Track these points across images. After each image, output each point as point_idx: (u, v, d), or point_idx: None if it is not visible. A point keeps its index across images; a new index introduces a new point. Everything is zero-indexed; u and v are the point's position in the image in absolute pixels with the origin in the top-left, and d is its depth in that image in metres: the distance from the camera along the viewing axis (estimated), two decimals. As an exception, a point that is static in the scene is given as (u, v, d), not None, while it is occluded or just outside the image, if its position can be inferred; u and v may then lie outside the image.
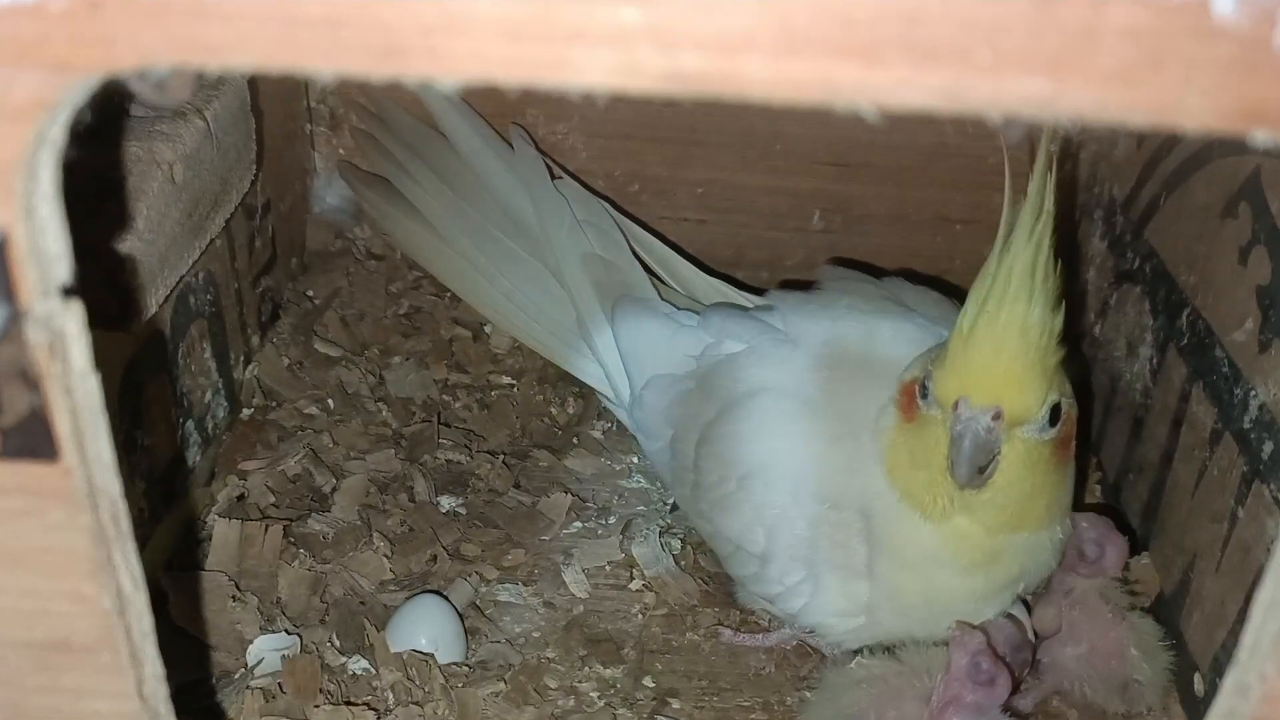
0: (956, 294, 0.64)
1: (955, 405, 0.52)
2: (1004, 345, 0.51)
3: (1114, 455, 0.74)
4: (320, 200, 0.87)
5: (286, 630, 0.62)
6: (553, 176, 0.81)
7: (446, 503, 0.73)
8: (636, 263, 0.76)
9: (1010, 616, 0.62)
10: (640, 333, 0.71)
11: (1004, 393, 0.52)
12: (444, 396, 0.81)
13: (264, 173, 0.75)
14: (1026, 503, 0.55)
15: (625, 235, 0.78)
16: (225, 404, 0.73)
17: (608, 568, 0.70)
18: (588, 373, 0.77)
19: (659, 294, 0.74)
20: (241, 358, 0.76)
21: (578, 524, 0.73)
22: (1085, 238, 0.82)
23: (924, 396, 0.55)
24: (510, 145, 0.82)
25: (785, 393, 0.63)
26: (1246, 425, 0.58)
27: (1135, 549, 0.66)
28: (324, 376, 0.79)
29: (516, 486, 0.75)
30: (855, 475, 0.59)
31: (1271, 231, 0.57)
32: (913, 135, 0.81)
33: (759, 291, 0.76)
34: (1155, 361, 0.69)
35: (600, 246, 0.76)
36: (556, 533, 0.72)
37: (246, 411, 0.76)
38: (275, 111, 0.77)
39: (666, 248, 0.80)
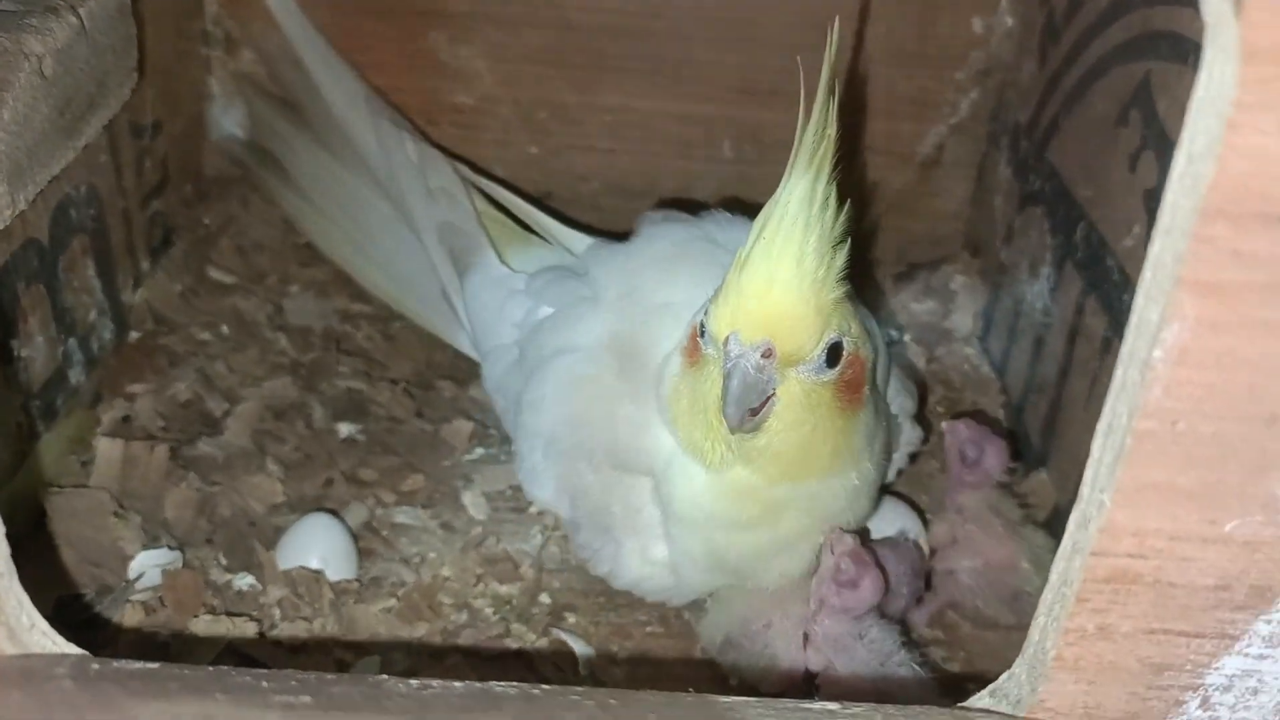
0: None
1: (725, 341, 0.48)
2: (776, 276, 0.47)
3: (1018, 377, 0.75)
4: (218, 126, 0.84)
5: (170, 547, 0.60)
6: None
7: (345, 429, 0.71)
8: (480, 228, 0.72)
9: (915, 544, 0.62)
10: (479, 303, 0.69)
11: (775, 327, 0.48)
12: (345, 326, 0.79)
13: (154, 91, 0.73)
14: (808, 449, 0.51)
15: (472, 199, 0.74)
16: (111, 325, 0.71)
17: (509, 491, 0.69)
18: (456, 338, 0.74)
19: (499, 257, 0.70)
20: (130, 280, 0.74)
21: (480, 450, 0.71)
22: (993, 165, 0.82)
23: (702, 334, 0.51)
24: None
25: (579, 354, 0.60)
26: (1136, 329, 0.58)
27: (1015, 448, 0.66)
28: (219, 304, 0.77)
29: (418, 415, 0.73)
30: (645, 434, 0.56)
31: (1160, 135, 0.57)
32: (821, 60, 0.80)
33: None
34: (1054, 279, 0.69)
35: (454, 214, 0.72)
36: (458, 459, 0.71)
37: (135, 335, 0.73)
38: (165, 27, 0.75)
39: (528, 203, 0.75)
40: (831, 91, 0.49)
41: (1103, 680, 0.33)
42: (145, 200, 0.75)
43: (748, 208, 0.85)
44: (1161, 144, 0.57)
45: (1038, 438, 0.70)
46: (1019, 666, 0.34)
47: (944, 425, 0.65)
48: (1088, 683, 0.33)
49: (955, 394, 0.78)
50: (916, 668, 0.54)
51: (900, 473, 0.66)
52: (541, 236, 0.73)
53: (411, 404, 0.74)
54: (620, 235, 0.69)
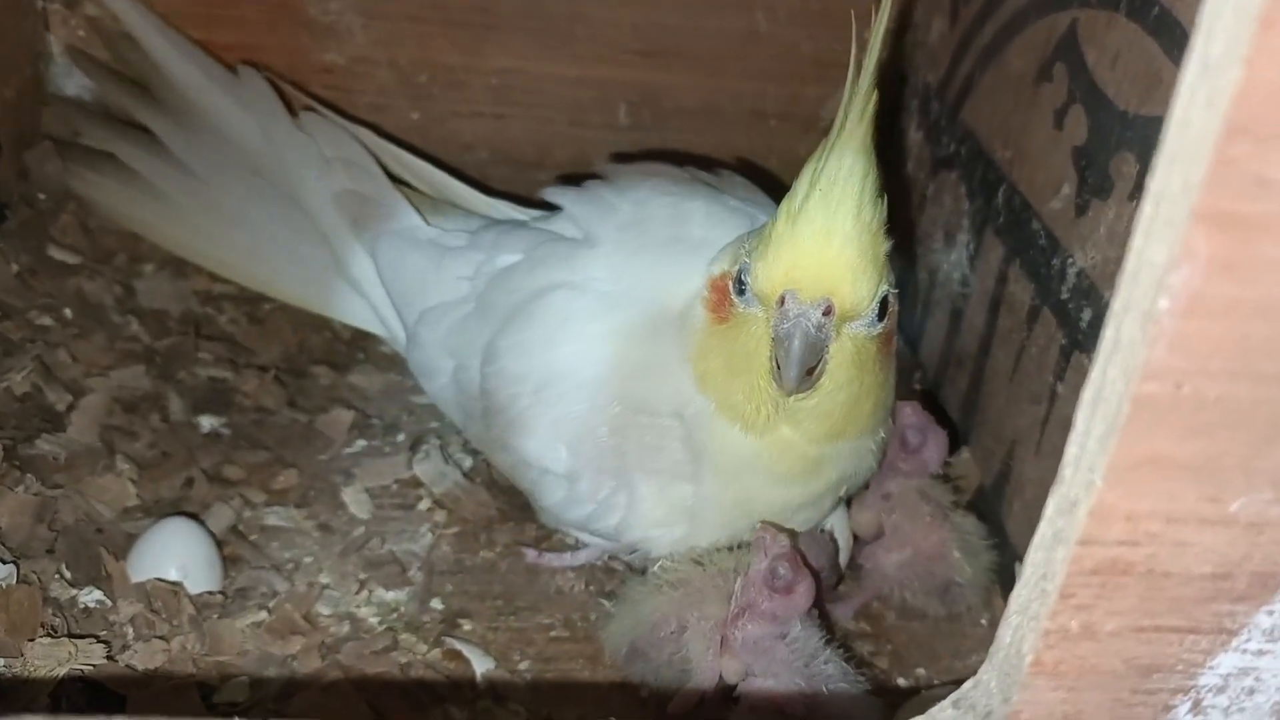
0: (776, 194, 0.59)
1: (781, 300, 0.46)
2: (836, 227, 0.45)
3: (933, 351, 0.71)
4: (58, 89, 0.75)
5: (2, 560, 0.53)
6: (293, 113, 0.72)
7: (207, 423, 0.64)
8: (396, 192, 0.67)
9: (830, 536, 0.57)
10: (405, 266, 0.63)
11: (837, 284, 0.46)
12: (205, 309, 0.72)
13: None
14: (854, 407, 0.50)
15: (381, 164, 0.69)
16: (-68, 311, 0.62)
17: (394, 487, 0.63)
18: (355, 314, 0.69)
19: (424, 220, 0.66)
20: (-45, 260, 0.65)
21: (361, 442, 0.65)
22: (901, 131, 0.79)
23: (740, 293, 0.49)
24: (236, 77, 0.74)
25: (574, 291, 0.56)
26: (1065, 296, 0.55)
27: (955, 445, 0.63)
28: (60, 286, 0.69)
29: (291, 405, 0.67)
30: (666, 378, 0.53)
31: (1089, 87, 0.54)
32: (724, 20, 0.76)
33: (549, 206, 0.67)
34: (972, 247, 0.66)
35: (354, 181, 0.68)
36: (336, 452, 0.64)
37: (-39, 322, 0.65)
38: (-10, -26, 0.66)
39: (439, 171, 0.71)
40: (881, 42, 0.47)
41: (1084, 686, 0.29)
42: (-29, 169, 0.67)
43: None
44: (1092, 97, 0.53)
45: (957, 415, 0.67)
46: (987, 673, 0.30)
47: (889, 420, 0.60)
48: (1067, 689, 0.29)
49: (868, 371, 0.74)
50: (844, 665, 0.50)
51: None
52: (449, 202, 0.69)
53: (282, 393, 0.67)
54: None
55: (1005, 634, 0.29)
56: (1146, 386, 0.24)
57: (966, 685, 0.31)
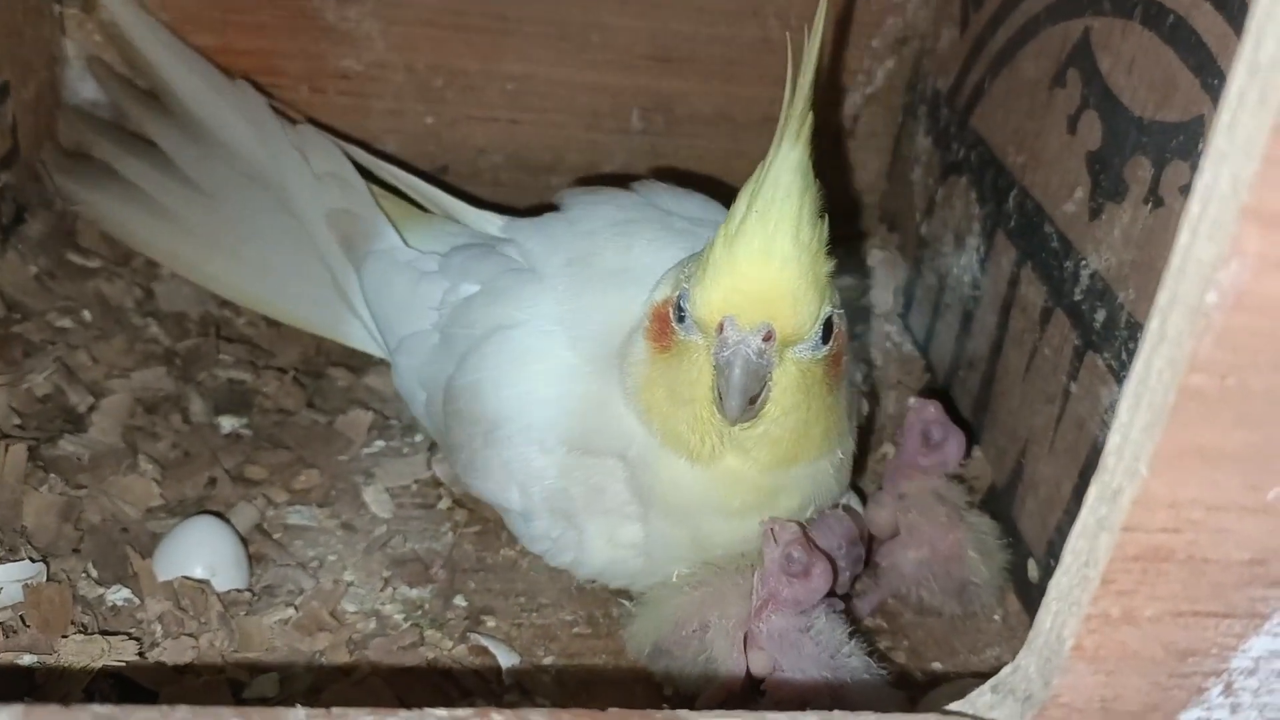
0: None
1: (720, 327, 0.45)
2: (774, 250, 0.44)
3: (943, 355, 0.72)
4: (74, 93, 0.76)
5: (30, 559, 0.53)
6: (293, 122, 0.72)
7: (228, 424, 0.65)
8: (379, 211, 0.66)
9: (847, 509, 0.58)
10: (386, 290, 0.62)
11: (777, 308, 0.44)
12: (224, 311, 0.72)
13: (-1, 50, 0.65)
14: (803, 432, 0.49)
15: (366, 179, 0.68)
16: (-45, 312, 0.62)
17: (414, 486, 0.63)
18: (358, 338, 0.68)
19: (404, 240, 0.64)
20: (-23, 262, 0.66)
21: (380, 442, 0.66)
22: (910, 136, 0.80)
23: (680, 320, 0.47)
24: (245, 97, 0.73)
25: (522, 330, 0.55)
26: (1078, 297, 0.56)
27: (971, 438, 0.64)
28: (80, 288, 0.70)
29: (310, 406, 0.68)
30: (609, 415, 0.52)
31: (1103, 93, 0.55)
32: (737, 28, 0.77)
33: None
34: (983, 250, 0.67)
35: (345, 199, 0.66)
36: (356, 452, 0.65)
37: (-16, 323, 0.65)
38: (11, -22, 0.67)
39: (430, 185, 0.70)
40: (815, 57, 0.46)
41: (1123, 670, 0.30)
42: (-8, 171, 0.67)
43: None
44: (1107, 103, 0.54)
45: (969, 415, 0.68)
46: (1027, 658, 0.31)
47: (911, 402, 0.61)
48: (1107, 673, 0.30)
49: (878, 372, 0.75)
50: (867, 658, 0.51)
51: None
52: (443, 216, 0.68)
53: (302, 394, 0.68)
54: (528, 213, 0.64)
55: (1045, 619, 0.30)
56: (1193, 378, 0.25)
57: (1005, 670, 0.32)
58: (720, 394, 0.45)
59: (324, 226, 0.66)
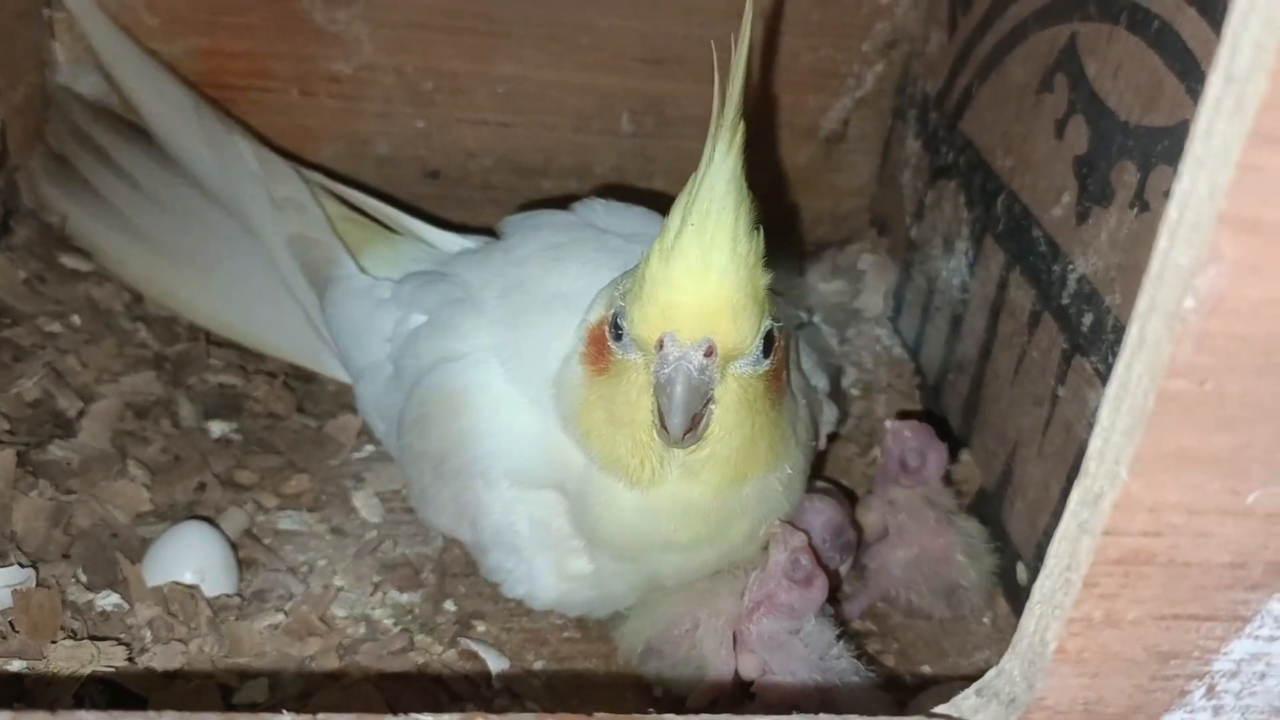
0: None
1: (660, 344, 0.44)
2: (712, 263, 0.43)
3: (933, 358, 0.73)
4: (62, 100, 0.76)
5: (20, 564, 0.53)
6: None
7: (217, 428, 0.65)
8: (335, 237, 0.65)
9: (827, 490, 0.58)
10: (344, 318, 0.62)
11: (717, 322, 0.43)
12: (215, 315, 0.72)
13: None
14: (749, 450, 0.47)
15: (322, 204, 0.67)
16: (-56, 317, 0.62)
17: (403, 491, 0.63)
18: (332, 368, 0.67)
19: (360, 267, 0.63)
20: (-35, 266, 0.65)
21: (370, 447, 0.66)
22: (899, 140, 0.80)
23: (618, 338, 0.46)
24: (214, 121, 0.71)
25: (460, 363, 0.54)
26: (1065, 301, 0.56)
27: (955, 449, 0.64)
28: (70, 292, 0.70)
29: (300, 410, 0.68)
30: (548, 445, 0.51)
31: (1090, 98, 0.55)
32: (726, 29, 0.77)
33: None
34: (972, 254, 0.67)
35: (304, 225, 0.65)
36: (346, 457, 0.65)
37: (-28, 327, 0.65)
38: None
39: (392, 207, 0.69)
40: (748, 64, 0.45)
41: (1106, 672, 0.30)
42: (-20, 176, 0.67)
43: (639, 191, 0.81)
44: (1093, 107, 0.54)
45: (958, 419, 0.68)
46: (1010, 662, 0.31)
47: (887, 425, 0.61)
48: (1090, 676, 0.30)
49: (868, 375, 0.76)
50: (855, 660, 0.51)
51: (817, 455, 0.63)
52: (409, 236, 0.67)
53: (292, 398, 0.68)
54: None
55: (1029, 623, 0.30)
56: (1172, 383, 0.26)
57: (989, 674, 0.32)
58: (662, 413, 0.44)
59: (286, 253, 0.65)
